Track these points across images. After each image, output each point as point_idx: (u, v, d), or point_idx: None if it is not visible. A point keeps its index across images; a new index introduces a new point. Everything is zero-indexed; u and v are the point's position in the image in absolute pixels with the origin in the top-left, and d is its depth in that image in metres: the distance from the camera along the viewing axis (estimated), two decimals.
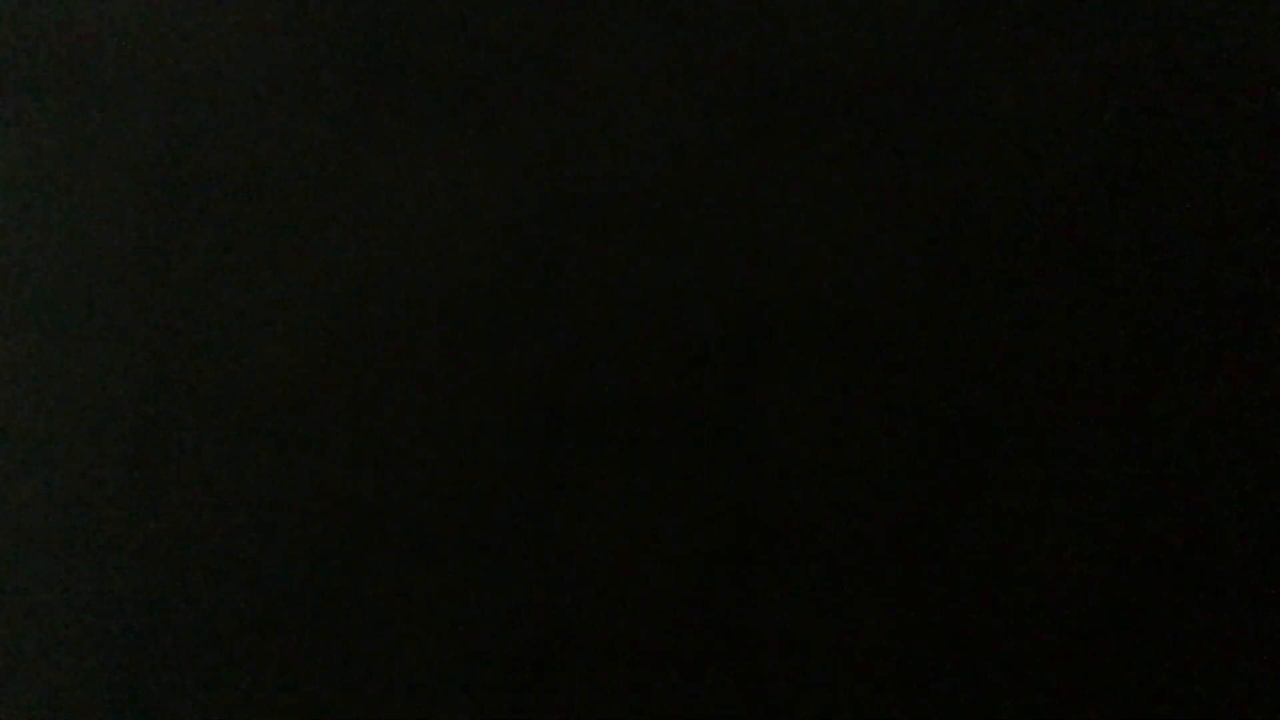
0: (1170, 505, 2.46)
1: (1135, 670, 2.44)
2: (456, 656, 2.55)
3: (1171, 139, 2.53)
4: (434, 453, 2.58)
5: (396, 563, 2.56)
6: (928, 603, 2.48)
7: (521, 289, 2.60)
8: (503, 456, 2.57)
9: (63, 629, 2.61)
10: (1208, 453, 2.46)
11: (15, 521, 2.62)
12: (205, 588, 2.59)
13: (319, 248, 2.63)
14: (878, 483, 2.51)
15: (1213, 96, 2.53)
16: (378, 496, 2.58)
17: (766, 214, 2.57)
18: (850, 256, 2.55)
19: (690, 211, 2.59)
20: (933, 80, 2.57)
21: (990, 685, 2.47)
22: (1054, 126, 2.54)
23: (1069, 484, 2.47)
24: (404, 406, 2.59)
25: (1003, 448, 2.49)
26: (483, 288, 2.61)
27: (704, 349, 2.55)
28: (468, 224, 2.62)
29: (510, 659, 2.54)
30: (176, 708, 2.58)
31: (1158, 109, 2.53)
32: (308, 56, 2.67)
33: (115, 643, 2.60)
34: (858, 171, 2.56)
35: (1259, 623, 2.42)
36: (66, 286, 2.65)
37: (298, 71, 2.67)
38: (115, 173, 2.67)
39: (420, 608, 2.55)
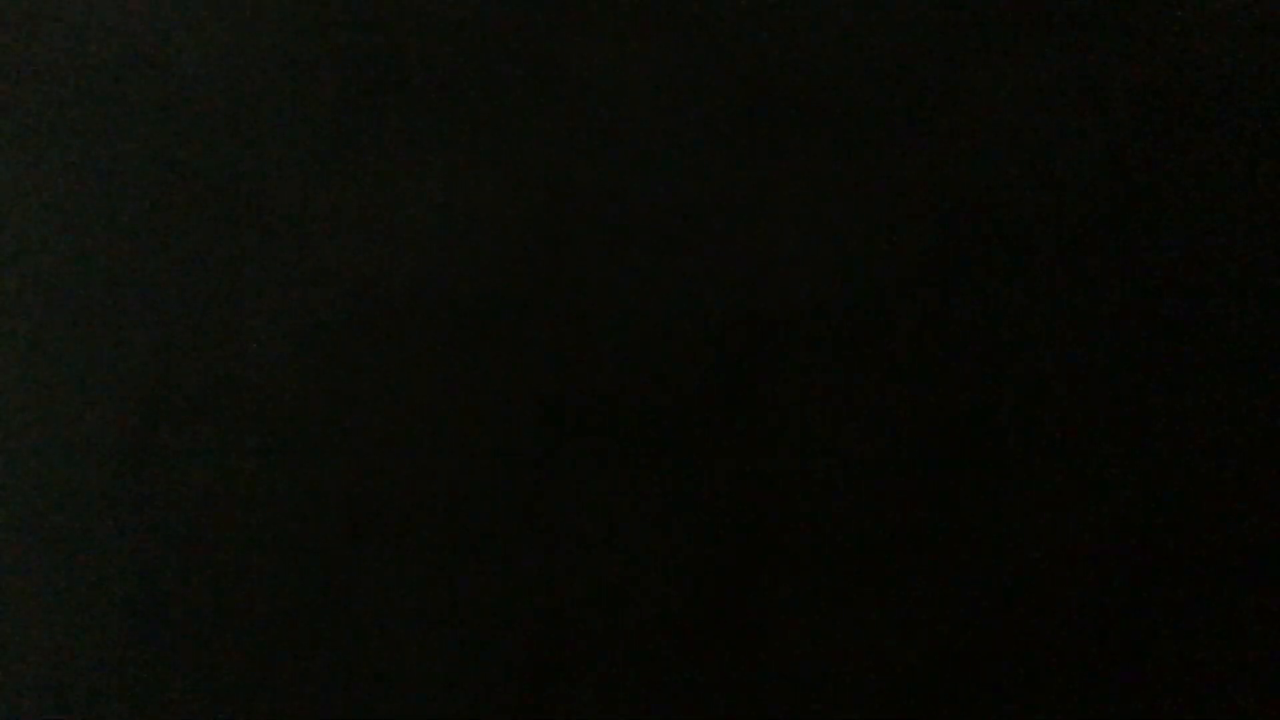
0: (1174, 504, 2.46)
1: (1136, 670, 2.44)
2: (456, 656, 2.54)
3: (1172, 139, 2.53)
4: (434, 451, 2.58)
5: (396, 561, 2.56)
6: (932, 602, 2.47)
7: (521, 288, 2.60)
8: (502, 456, 2.57)
9: (61, 628, 2.60)
10: (1210, 452, 2.46)
11: (13, 521, 2.62)
12: (204, 587, 2.58)
13: (318, 247, 2.63)
14: (881, 482, 2.51)
15: (1213, 97, 2.53)
16: (377, 496, 2.58)
17: (767, 213, 2.57)
18: (851, 256, 2.55)
19: (690, 211, 2.59)
20: (934, 80, 2.57)
21: (992, 685, 2.46)
22: (1055, 126, 2.55)
23: (1074, 483, 2.47)
24: (404, 406, 2.59)
25: (1006, 446, 2.49)
26: (482, 287, 2.61)
27: (704, 348, 2.55)
28: (467, 224, 2.62)
29: (510, 659, 2.54)
30: (176, 707, 2.58)
31: (1158, 109, 2.53)
32: (306, 56, 2.68)
33: (114, 641, 2.59)
34: (859, 171, 2.57)
35: (1259, 622, 2.42)
36: (64, 286, 2.66)
37: (297, 71, 2.67)
38: (113, 172, 2.67)
39: (419, 607, 2.55)
